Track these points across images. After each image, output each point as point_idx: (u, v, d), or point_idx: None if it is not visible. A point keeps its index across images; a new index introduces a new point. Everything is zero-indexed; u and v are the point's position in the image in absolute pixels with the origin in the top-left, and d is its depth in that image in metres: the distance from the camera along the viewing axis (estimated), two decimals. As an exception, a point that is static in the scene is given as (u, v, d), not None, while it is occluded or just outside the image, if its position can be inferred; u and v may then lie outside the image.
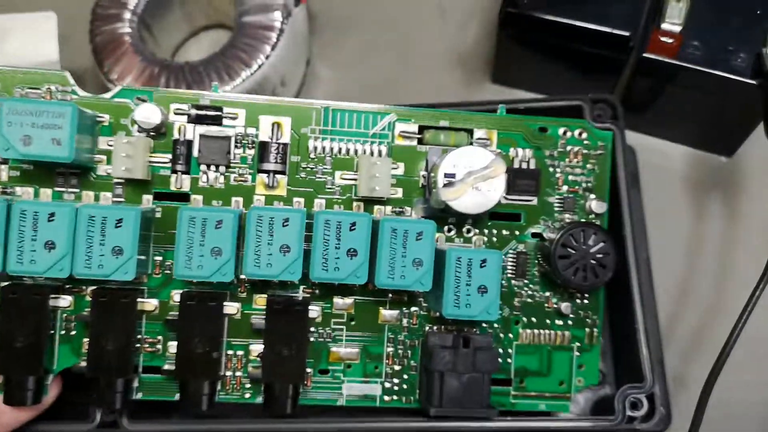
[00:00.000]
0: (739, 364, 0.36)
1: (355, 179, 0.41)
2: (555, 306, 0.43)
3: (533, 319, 0.43)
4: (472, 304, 0.38)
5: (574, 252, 0.40)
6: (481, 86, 0.44)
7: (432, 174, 0.40)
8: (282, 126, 0.41)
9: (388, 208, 0.42)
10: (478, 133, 0.43)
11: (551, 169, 0.43)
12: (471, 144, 0.42)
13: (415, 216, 0.42)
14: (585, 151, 0.43)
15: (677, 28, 0.37)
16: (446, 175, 0.38)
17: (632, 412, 0.38)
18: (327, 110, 0.42)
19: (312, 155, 0.42)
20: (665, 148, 0.41)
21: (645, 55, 0.38)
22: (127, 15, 0.42)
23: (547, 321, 0.43)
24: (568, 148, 0.43)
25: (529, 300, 0.43)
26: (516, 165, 0.42)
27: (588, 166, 0.43)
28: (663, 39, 0.37)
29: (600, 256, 0.41)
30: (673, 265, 0.41)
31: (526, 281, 0.43)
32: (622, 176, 0.41)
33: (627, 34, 0.38)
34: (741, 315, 0.34)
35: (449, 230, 0.42)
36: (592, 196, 0.43)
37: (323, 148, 0.42)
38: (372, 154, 0.42)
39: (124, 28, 0.41)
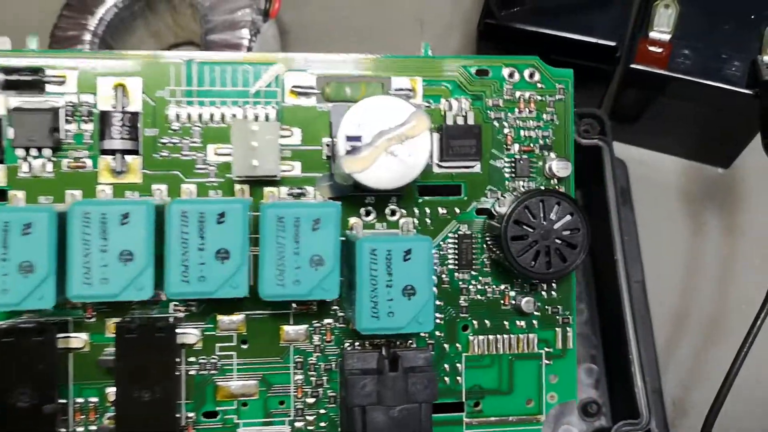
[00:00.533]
0: (743, 390, 0.33)
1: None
2: (513, 303, 0.33)
3: (486, 322, 0.33)
4: (397, 311, 0.28)
5: (531, 230, 0.30)
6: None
7: (336, 139, 0.29)
8: (129, 89, 0.31)
9: (284, 190, 0.31)
10: (397, 82, 0.32)
11: (497, 124, 0.33)
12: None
13: (320, 198, 0.31)
14: (539, 98, 0.33)
15: (666, 37, 0.34)
16: (349, 139, 0.28)
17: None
18: (190, 65, 0.31)
19: (174, 126, 0.31)
20: (658, 161, 0.38)
21: (633, 65, 0.35)
22: (87, 37, 0.39)
23: (505, 323, 0.33)
24: (518, 94, 0.33)
25: (479, 297, 0.33)
26: (449, 121, 0.32)
27: (545, 116, 0.33)
28: (651, 48, 0.34)
29: (567, 233, 0.30)
30: (670, 285, 0.37)
31: (473, 273, 0.33)
32: (611, 194, 0.36)
33: (613, 44, 0.35)
34: (741, 348, 0.31)
35: (367, 214, 0.32)
36: (552, 155, 0.33)
37: (189, 116, 0.31)
38: (256, 118, 0.31)
39: (84, 49, 0.38)
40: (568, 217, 0.30)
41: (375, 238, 0.28)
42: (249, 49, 0.40)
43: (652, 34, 0.35)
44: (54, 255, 0.26)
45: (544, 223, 0.30)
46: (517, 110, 0.33)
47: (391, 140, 0.28)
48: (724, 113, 0.35)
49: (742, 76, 0.33)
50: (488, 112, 0.33)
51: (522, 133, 0.33)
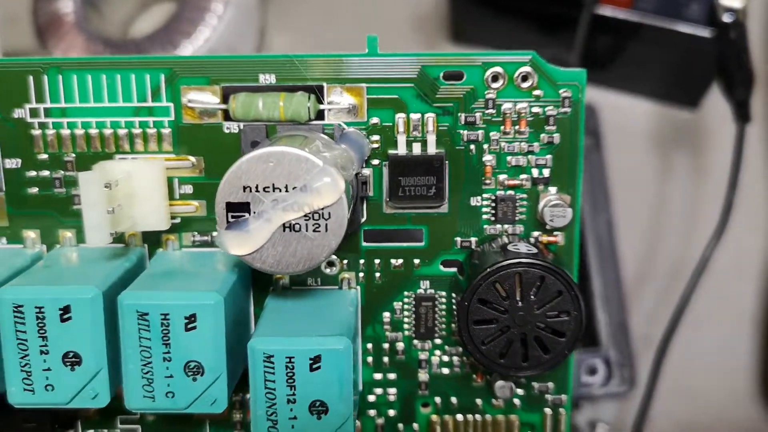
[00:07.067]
0: (704, 320, 0.38)
1: (120, 192, 0.23)
2: (487, 380, 0.25)
3: (453, 400, 0.26)
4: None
5: (501, 314, 0.22)
6: (442, 47, 0.40)
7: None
8: (-23, 108, 0.23)
9: (187, 236, 0.24)
10: (333, 94, 0.23)
11: (472, 149, 0.24)
12: (309, 118, 0.23)
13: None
14: (536, 110, 0.23)
15: None
16: (230, 209, 0.20)
17: (590, 377, 0.35)
18: (53, 72, 0.23)
19: (41, 155, 0.24)
20: (630, 105, 0.40)
21: (597, 11, 0.35)
22: None
23: (477, 401, 0.26)
24: (505, 107, 0.23)
25: (443, 371, 0.25)
26: (401, 149, 0.23)
27: (542, 137, 0.24)
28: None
29: (552, 317, 0.22)
30: (639, 226, 0.40)
31: (437, 342, 0.25)
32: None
33: None
34: (694, 274, 0.33)
35: (295, 267, 0.24)
36: (551, 191, 0.24)
37: (58, 140, 0.24)
38: (145, 139, 0.23)
39: (67, 7, 0.37)
40: (556, 297, 0.22)
41: (273, 340, 0.21)
42: (227, 1, 0.36)
43: None
44: None
45: (521, 304, 0.22)
46: (502, 129, 0.23)
47: (289, 211, 0.20)
48: (688, 54, 0.36)
49: (700, 18, 0.34)
50: (460, 131, 0.23)
51: (509, 160, 0.24)
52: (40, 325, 0.20)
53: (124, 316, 0.20)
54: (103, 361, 0.21)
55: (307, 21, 0.41)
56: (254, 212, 0.20)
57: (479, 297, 0.22)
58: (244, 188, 0.20)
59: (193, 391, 0.21)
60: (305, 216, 0.20)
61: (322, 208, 0.20)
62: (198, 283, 0.21)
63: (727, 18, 0.31)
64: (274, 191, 0.20)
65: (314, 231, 0.20)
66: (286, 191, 0.20)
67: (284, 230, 0.20)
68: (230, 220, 0.20)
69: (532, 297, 0.22)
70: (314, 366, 0.20)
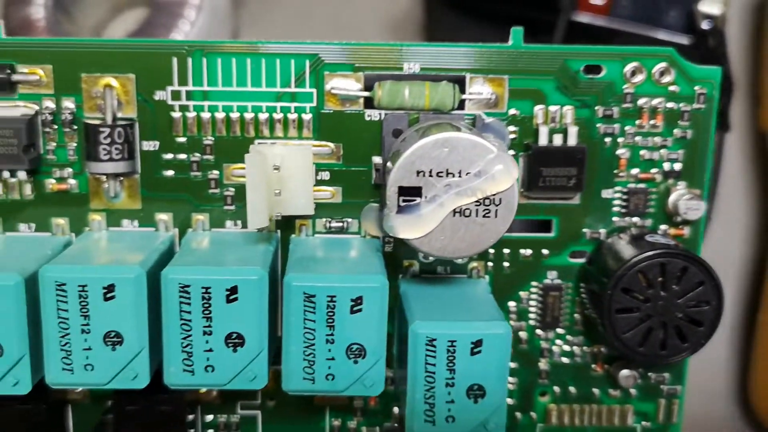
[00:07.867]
0: None
1: (257, 176, 0.24)
2: (606, 369, 0.26)
3: (571, 389, 0.26)
4: (458, 416, 0.21)
5: (644, 303, 0.23)
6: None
7: (390, 164, 0.22)
8: (120, 89, 0.23)
9: (321, 222, 0.24)
10: (475, 85, 0.24)
11: (607, 140, 0.24)
12: (453, 107, 0.23)
13: (367, 233, 0.24)
14: (671, 106, 0.24)
15: None
16: (402, 193, 0.20)
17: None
18: (198, 55, 0.23)
19: (180, 138, 0.24)
20: None
21: (574, 18, 0.34)
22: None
23: (595, 390, 0.26)
24: (641, 101, 0.24)
25: (564, 360, 0.26)
26: (542, 140, 0.24)
27: (675, 132, 0.24)
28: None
29: (692, 306, 0.23)
30: None
31: (560, 331, 0.26)
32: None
33: None
34: None
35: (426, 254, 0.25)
36: (681, 186, 0.25)
37: (198, 123, 0.24)
38: (285, 124, 0.24)
39: (38, 13, 0.37)
40: (699, 288, 0.23)
41: (431, 324, 0.21)
42: (199, 7, 0.36)
43: None
44: (23, 328, 0.21)
45: (664, 293, 0.23)
46: (638, 122, 0.24)
47: (462, 196, 0.20)
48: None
49: (679, 25, 0.33)
50: (597, 124, 0.24)
51: (642, 153, 0.24)
52: (206, 305, 0.20)
53: (291, 298, 0.20)
54: (264, 343, 0.21)
55: (280, 25, 0.41)
56: (426, 197, 0.20)
57: (623, 286, 0.23)
58: (418, 173, 0.20)
59: (353, 374, 0.21)
60: (476, 201, 0.20)
61: (494, 194, 0.20)
62: (358, 267, 0.21)
63: (705, 25, 0.31)
64: (447, 176, 0.20)
65: (484, 216, 0.20)
66: (460, 176, 0.20)
67: (453, 215, 0.20)
68: (402, 204, 0.20)
69: (674, 287, 0.23)
70: (475, 350, 0.21)
